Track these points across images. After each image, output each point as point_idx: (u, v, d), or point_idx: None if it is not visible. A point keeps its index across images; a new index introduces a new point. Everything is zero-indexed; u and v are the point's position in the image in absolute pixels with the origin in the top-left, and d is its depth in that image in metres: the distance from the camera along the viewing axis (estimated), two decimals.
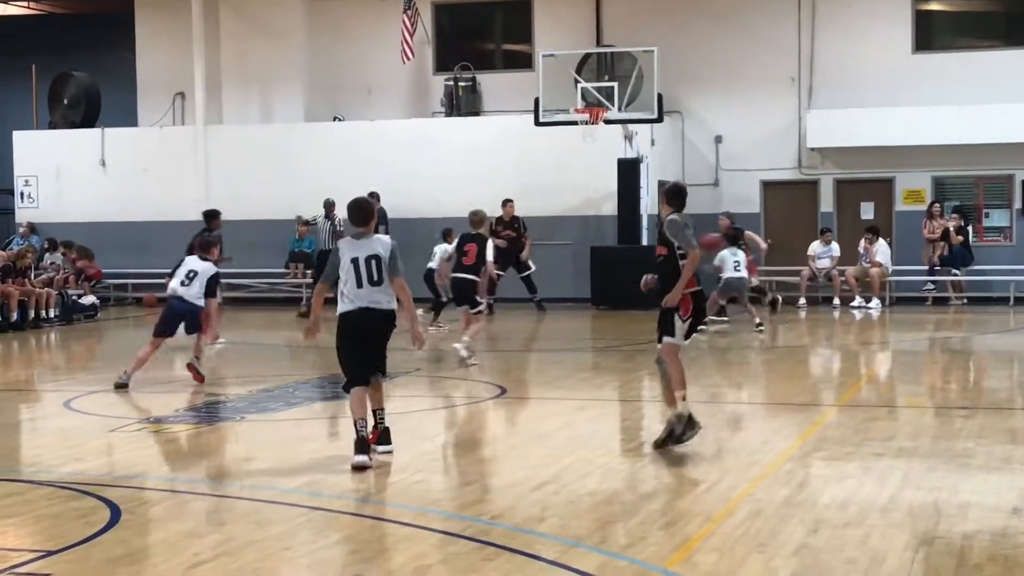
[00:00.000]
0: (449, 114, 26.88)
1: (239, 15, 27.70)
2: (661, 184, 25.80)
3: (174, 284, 13.93)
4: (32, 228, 26.89)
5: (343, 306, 9.32)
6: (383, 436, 9.68)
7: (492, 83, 27.26)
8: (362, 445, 9.22)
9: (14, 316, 20.97)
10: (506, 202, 23.21)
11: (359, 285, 9.23)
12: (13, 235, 27.24)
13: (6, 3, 33.86)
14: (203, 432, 11.34)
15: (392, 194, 24.44)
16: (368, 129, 26.67)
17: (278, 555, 7.01)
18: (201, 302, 13.79)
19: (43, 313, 21.80)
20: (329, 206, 23.54)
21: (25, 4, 34.04)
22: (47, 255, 24.92)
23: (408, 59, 26.38)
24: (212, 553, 6.99)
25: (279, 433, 11.47)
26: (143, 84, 28.87)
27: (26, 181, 28.05)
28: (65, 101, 28.81)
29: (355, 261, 9.26)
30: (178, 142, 27.27)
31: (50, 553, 6.88)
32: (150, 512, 7.92)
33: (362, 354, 9.34)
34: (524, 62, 27.23)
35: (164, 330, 13.97)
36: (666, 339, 9.87)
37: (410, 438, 10.85)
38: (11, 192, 28.61)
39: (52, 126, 28.85)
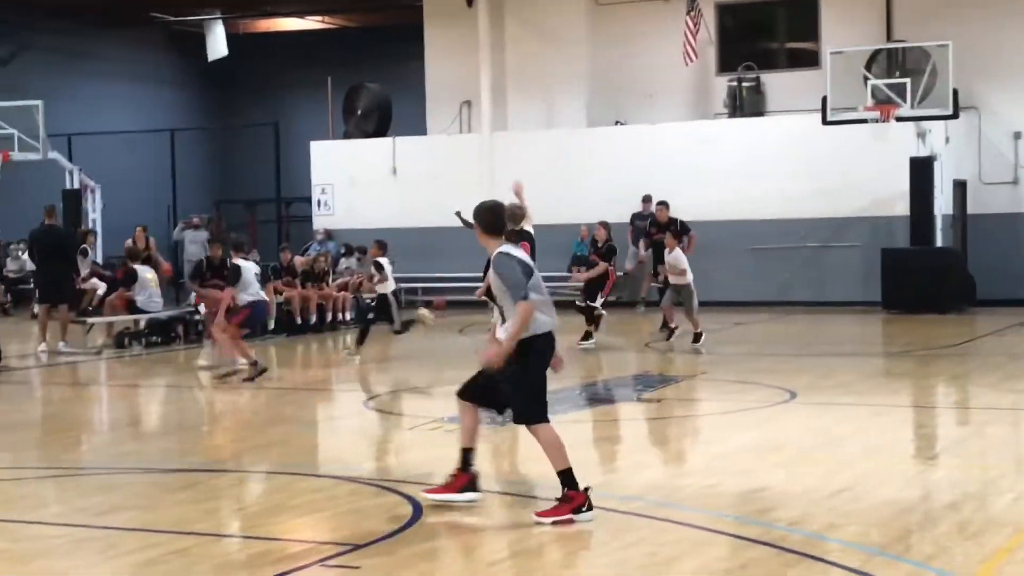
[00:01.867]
0: (732, 115, 26.63)
1: (524, 24, 28.13)
2: (956, 184, 24.94)
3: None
4: (329, 235, 27.96)
5: (540, 327, 7.78)
6: (472, 482, 8.10)
7: (777, 82, 26.85)
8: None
9: (312, 319, 21.88)
10: (660, 204, 21.52)
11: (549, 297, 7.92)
12: (311, 241, 28.39)
13: (302, 18, 35.45)
14: (497, 431, 11.54)
15: (674, 197, 24.33)
16: (649, 132, 26.66)
17: (576, 555, 7.08)
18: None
19: (339, 316, 22.67)
20: None
21: (321, 19, 35.54)
22: (342, 260, 25.85)
23: (691, 61, 26.24)
24: (511, 551, 7.11)
25: (569, 434, 11.57)
26: (432, 93, 29.62)
27: (323, 190, 29.22)
28: (359, 112, 29.88)
29: (535, 272, 7.83)
30: (465, 149, 27.88)
31: (357, 547, 7.11)
32: (449, 511, 8.10)
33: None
34: (810, 60, 26.70)
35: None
36: None
37: (700, 442, 10.81)
38: (308, 200, 29.85)
39: (346, 136, 29.97)
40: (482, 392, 7.97)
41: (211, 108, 38.13)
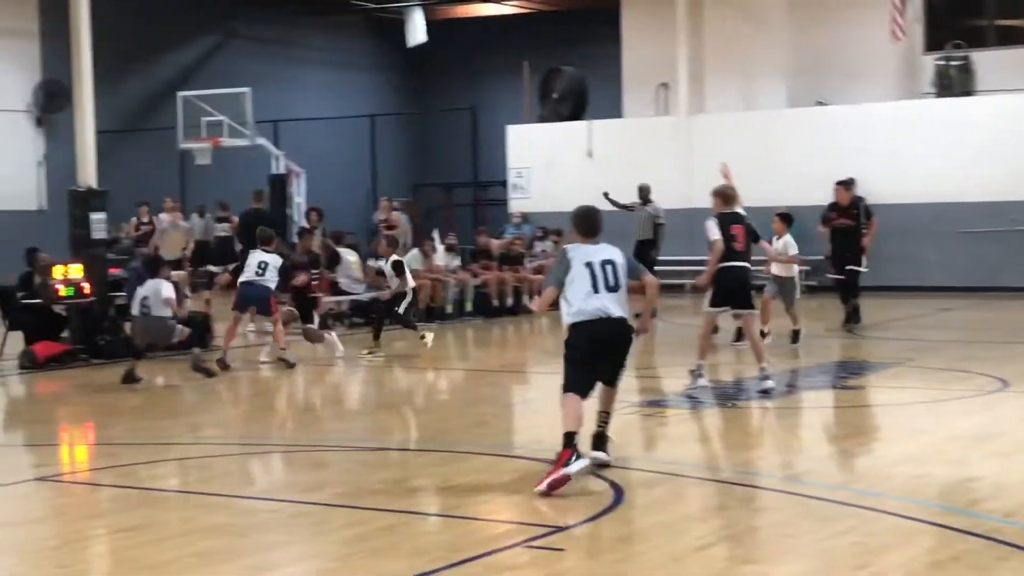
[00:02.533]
0: (940, 95, 25.83)
1: (723, 3, 27.76)
2: None
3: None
4: (525, 218, 28.09)
5: (573, 316, 8.50)
6: (598, 441, 8.74)
7: (987, 61, 25.91)
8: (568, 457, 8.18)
9: (509, 301, 22.03)
10: (840, 184, 18.54)
11: (595, 290, 8.46)
12: (506, 224, 28.60)
13: (499, 3, 35.67)
14: (695, 417, 11.46)
15: (876, 179, 23.82)
16: (852, 113, 26.05)
17: (781, 542, 6.96)
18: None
19: (535, 298, 22.74)
20: (645, 191, 22.76)
21: (517, 3, 35.71)
22: (537, 243, 25.95)
23: (898, 39, 25.54)
24: (715, 537, 7.04)
25: (772, 421, 11.43)
26: (628, 76, 29.49)
27: (519, 173, 29.37)
28: (555, 95, 29.93)
29: (589, 265, 8.48)
30: (662, 132, 27.68)
31: (561, 529, 7.13)
32: (652, 494, 8.05)
33: (592, 367, 8.55)
34: (1022, 37, 25.74)
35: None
36: None
37: (909, 430, 10.54)
38: (504, 184, 30.06)
39: (542, 119, 30.05)
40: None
41: (409, 93, 38.68)
